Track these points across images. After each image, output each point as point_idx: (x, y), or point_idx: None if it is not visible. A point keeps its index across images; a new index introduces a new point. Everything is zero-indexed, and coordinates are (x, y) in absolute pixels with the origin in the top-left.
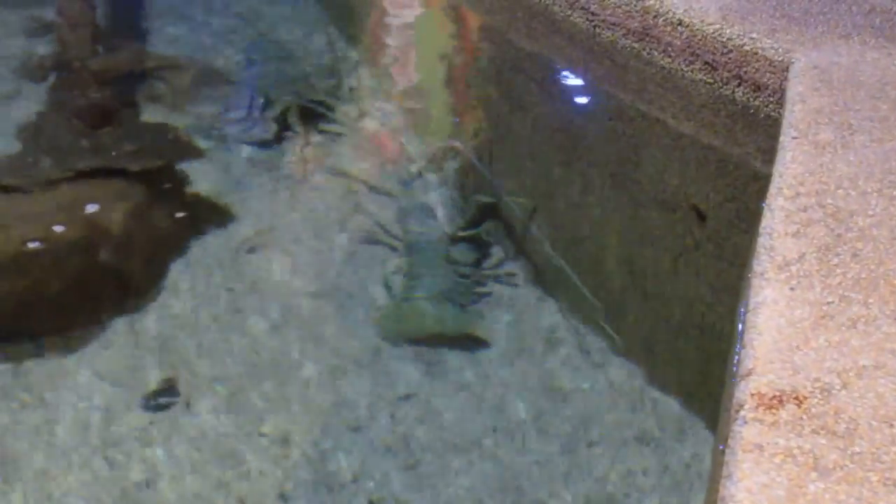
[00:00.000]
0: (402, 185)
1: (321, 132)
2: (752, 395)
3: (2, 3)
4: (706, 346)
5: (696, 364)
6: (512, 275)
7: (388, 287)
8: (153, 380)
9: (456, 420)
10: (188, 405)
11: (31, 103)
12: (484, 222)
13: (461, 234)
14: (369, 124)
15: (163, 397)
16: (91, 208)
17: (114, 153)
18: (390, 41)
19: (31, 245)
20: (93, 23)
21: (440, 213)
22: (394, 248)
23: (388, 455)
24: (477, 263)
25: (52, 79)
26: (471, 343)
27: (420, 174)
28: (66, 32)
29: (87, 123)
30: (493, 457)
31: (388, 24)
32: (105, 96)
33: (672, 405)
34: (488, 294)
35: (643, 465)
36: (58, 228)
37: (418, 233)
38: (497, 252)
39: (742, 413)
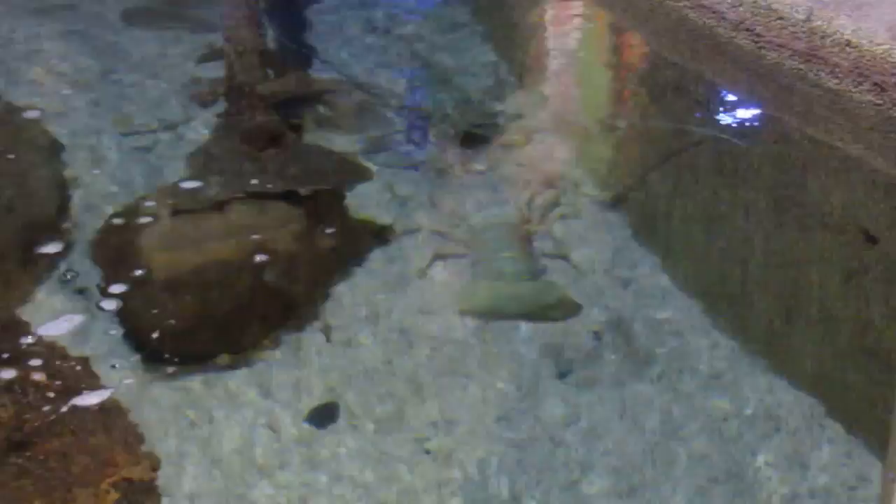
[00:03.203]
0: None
1: (482, 156)
2: None
3: (174, 31)
4: (875, 372)
5: (864, 390)
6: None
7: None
8: (317, 398)
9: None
10: (351, 424)
11: (200, 127)
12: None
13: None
14: (530, 150)
15: (326, 416)
16: (258, 230)
17: (280, 176)
18: (553, 65)
19: (201, 266)
20: (260, 48)
21: None
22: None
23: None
24: None
25: (221, 103)
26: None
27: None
28: (235, 58)
29: (255, 146)
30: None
31: (551, 48)
32: (272, 120)
33: (839, 431)
34: None
35: (809, 490)
36: (226, 250)
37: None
38: None
39: None
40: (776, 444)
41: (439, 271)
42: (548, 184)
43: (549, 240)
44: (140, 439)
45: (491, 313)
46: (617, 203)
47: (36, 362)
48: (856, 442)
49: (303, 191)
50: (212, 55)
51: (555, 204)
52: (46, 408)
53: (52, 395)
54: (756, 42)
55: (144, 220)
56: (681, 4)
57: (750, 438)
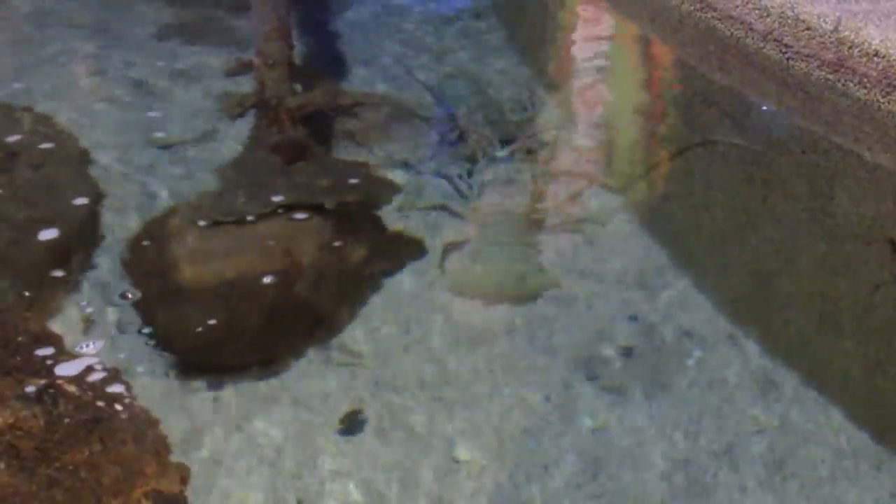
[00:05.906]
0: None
1: (511, 163)
2: None
3: (203, 45)
4: None
5: (893, 401)
6: None
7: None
8: (346, 409)
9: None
10: (380, 434)
11: (229, 140)
12: None
13: None
14: (558, 162)
15: (355, 426)
16: (287, 243)
17: (308, 188)
18: (581, 76)
19: (230, 278)
20: (289, 61)
21: None
22: None
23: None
24: None
25: (250, 116)
26: None
27: None
28: (264, 71)
29: (283, 159)
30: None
31: (580, 60)
32: (300, 133)
33: (868, 443)
34: None
35: None
36: (255, 262)
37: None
38: None
39: None
40: (804, 456)
41: (464, 281)
42: (575, 184)
43: (571, 236)
44: (170, 450)
45: (476, 294)
46: (644, 210)
47: (66, 373)
48: (887, 455)
49: (332, 203)
50: (241, 68)
51: (578, 199)
52: (76, 418)
53: (81, 405)
54: (784, 52)
55: (174, 232)
56: (709, 15)
57: (778, 451)
